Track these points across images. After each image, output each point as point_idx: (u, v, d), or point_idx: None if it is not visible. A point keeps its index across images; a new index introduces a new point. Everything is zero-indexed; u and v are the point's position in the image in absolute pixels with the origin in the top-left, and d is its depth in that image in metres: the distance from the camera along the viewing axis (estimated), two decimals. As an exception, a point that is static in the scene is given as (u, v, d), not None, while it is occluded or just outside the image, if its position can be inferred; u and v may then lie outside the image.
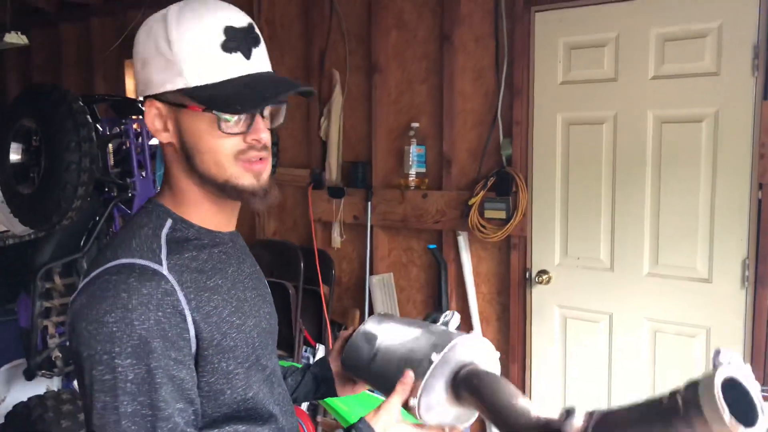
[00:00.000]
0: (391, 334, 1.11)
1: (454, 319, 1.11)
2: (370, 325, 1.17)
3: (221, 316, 0.95)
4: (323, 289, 3.59)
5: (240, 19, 0.97)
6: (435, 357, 0.97)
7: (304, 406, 3.48)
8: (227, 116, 0.92)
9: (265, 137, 0.97)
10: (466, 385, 0.97)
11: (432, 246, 3.25)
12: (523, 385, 3.06)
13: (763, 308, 2.44)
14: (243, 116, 0.94)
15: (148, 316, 0.86)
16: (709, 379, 0.62)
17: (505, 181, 2.96)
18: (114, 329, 0.85)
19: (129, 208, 3.10)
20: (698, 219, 2.58)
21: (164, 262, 0.92)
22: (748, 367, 0.66)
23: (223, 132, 0.93)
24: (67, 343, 0.97)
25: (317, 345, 3.55)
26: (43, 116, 2.95)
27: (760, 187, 2.42)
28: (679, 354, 2.65)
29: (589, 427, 0.75)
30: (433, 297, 3.34)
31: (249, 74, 0.95)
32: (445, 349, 0.98)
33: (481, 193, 3.01)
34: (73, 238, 3.12)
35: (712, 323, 2.58)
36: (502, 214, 2.96)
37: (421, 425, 1.01)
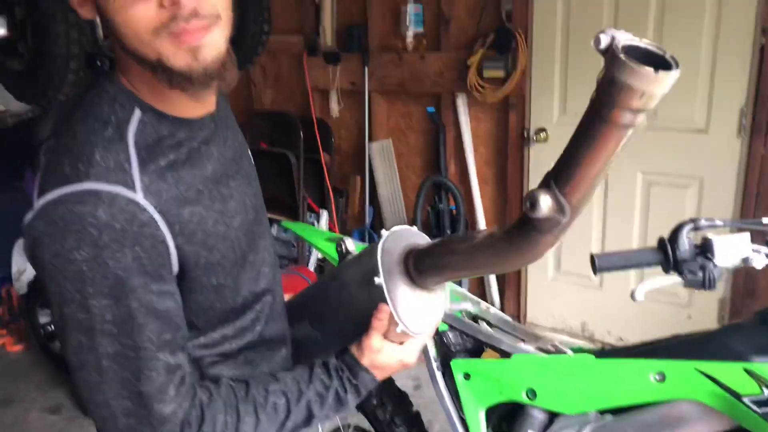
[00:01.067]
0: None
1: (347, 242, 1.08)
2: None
3: (206, 230, 0.85)
4: (324, 158, 3.63)
5: None
6: (378, 279, 0.87)
7: (312, 266, 3.64)
8: None
9: None
10: (424, 271, 0.88)
11: (431, 109, 3.24)
12: (521, 241, 3.18)
13: (757, 156, 2.48)
14: None
15: (124, 252, 0.75)
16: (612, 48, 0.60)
17: (505, 37, 2.88)
18: (84, 268, 0.74)
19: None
20: (699, 67, 2.55)
21: (137, 183, 0.78)
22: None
23: None
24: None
25: (321, 210, 3.65)
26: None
27: (764, 32, 2.37)
28: (671, 205, 2.73)
29: (554, 192, 0.70)
30: (432, 161, 3.38)
31: None
32: (380, 269, 0.88)
33: (480, 52, 2.95)
34: (71, 112, 3.11)
35: (705, 173, 2.63)
36: (501, 73, 2.92)
37: (401, 338, 0.92)
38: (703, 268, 1.09)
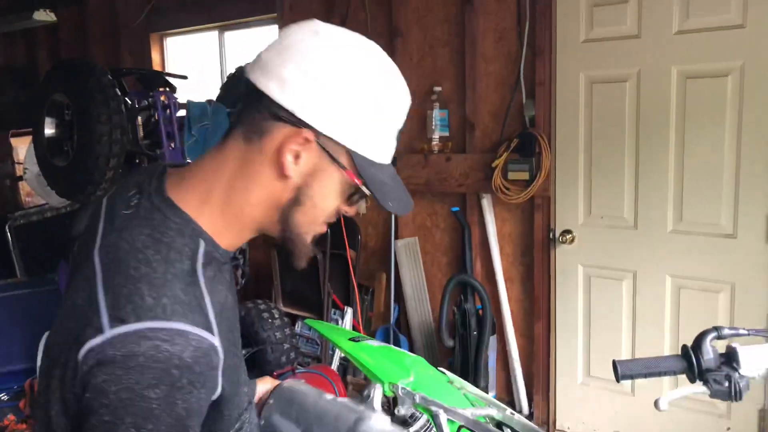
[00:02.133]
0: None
1: (376, 392, 1.14)
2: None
3: (230, 364, 0.84)
4: (350, 254, 3.66)
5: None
6: None
7: (335, 365, 3.58)
8: (366, 198, 0.87)
9: (352, 213, 0.92)
10: None
11: (455, 209, 3.29)
12: (548, 344, 3.11)
13: (788, 262, 2.44)
14: (361, 199, 0.89)
15: (193, 394, 0.76)
16: None
17: (529, 142, 2.96)
18: (154, 406, 0.73)
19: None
20: (723, 174, 2.56)
21: (215, 329, 0.79)
22: None
23: (346, 204, 0.88)
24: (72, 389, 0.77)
25: (345, 308, 3.64)
26: (74, 91, 3.04)
27: (786, 140, 2.39)
28: (703, 309, 2.66)
29: None
30: (457, 259, 3.39)
31: (390, 164, 0.89)
32: None
33: (505, 155, 3.03)
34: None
35: (737, 278, 2.58)
36: (526, 175, 2.97)
37: None
38: (728, 377, 1.06)
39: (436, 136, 3.30)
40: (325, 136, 0.81)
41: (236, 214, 0.85)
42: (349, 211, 0.89)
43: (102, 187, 2.97)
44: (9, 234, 3.86)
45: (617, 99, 2.78)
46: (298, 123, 0.80)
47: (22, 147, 5.00)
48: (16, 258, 3.80)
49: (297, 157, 0.82)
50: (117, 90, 2.97)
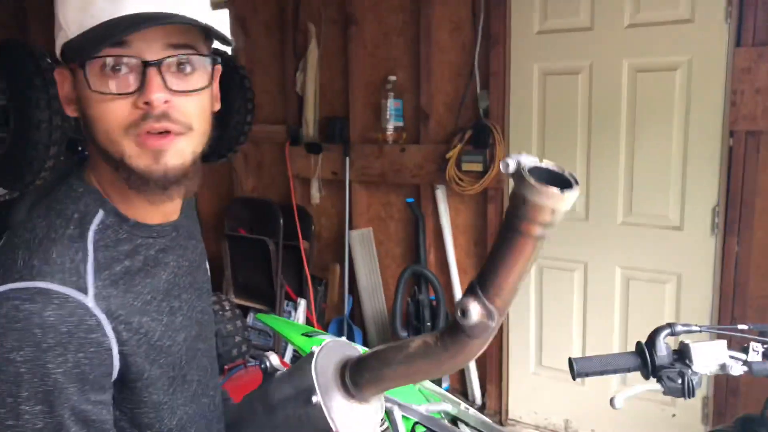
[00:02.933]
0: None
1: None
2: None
3: (151, 343, 0.82)
4: (303, 245, 3.61)
5: None
6: (315, 398, 0.86)
7: (288, 358, 3.54)
8: (88, 68, 0.74)
9: (159, 98, 0.75)
10: (362, 384, 0.87)
11: (410, 200, 3.27)
12: (500, 334, 3.14)
13: (731, 254, 2.51)
14: (124, 69, 0.75)
15: (66, 357, 0.72)
16: (519, 172, 0.68)
17: (483, 133, 2.96)
18: (22, 370, 0.70)
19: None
20: (671, 168, 2.61)
21: (90, 289, 0.76)
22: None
23: (95, 91, 0.75)
24: None
25: (298, 299, 3.59)
26: (10, 74, 2.87)
27: (731, 135, 2.45)
28: (651, 300, 2.72)
29: (479, 294, 0.74)
30: (411, 250, 3.38)
31: (120, 16, 0.74)
32: (316, 388, 0.87)
33: (459, 146, 3.02)
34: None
35: (683, 269, 2.64)
36: (479, 167, 2.97)
37: None
38: (681, 375, 1.06)
39: (390, 126, 3.27)
40: (57, 57, 0.80)
41: (104, 172, 0.83)
42: (140, 101, 0.75)
43: (42, 176, 2.83)
44: (-59, 224, 3.66)
45: (570, 91, 2.80)
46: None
47: (-45, 132, 4.74)
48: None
49: (64, 92, 0.82)
50: (57, 74, 2.82)
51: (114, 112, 0.75)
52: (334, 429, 0.85)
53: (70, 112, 0.81)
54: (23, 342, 0.70)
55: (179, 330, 0.88)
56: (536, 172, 0.68)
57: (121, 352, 0.78)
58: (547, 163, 0.70)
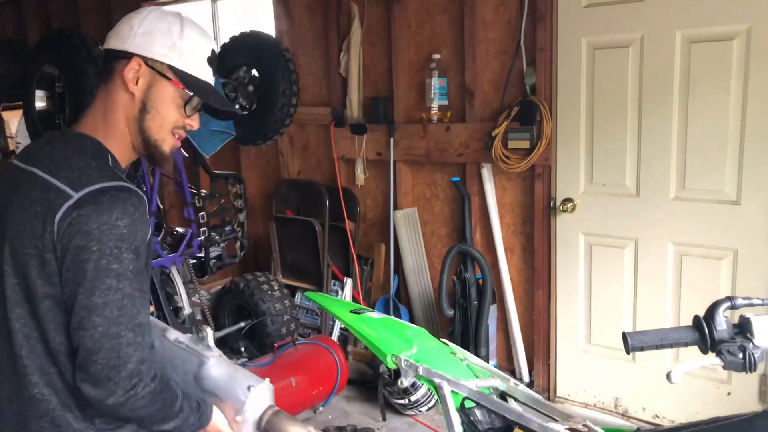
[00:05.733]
0: None
1: (208, 333, 1.32)
2: None
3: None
4: (349, 226, 3.64)
5: (215, 47, 1.33)
6: (239, 418, 1.24)
7: (335, 336, 3.59)
8: (194, 102, 1.26)
9: (196, 126, 1.30)
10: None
11: (455, 179, 3.25)
12: (548, 312, 3.11)
13: (792, 228, 2.42)
14: (197, 107, 1.27)
15: (143, 227, 1.14)
16: None
17: (529, 110, 2.92)
18: (124, 231, 1.10)
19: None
20: (727, 140, 2.53)
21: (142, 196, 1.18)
22: None
23: (183, 109, 1.25)
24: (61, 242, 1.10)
25: (345, 279, 3.63)
26: (65, 63, 2.97)
27: (792, 105, 2.36)
28: (705, 277, 2.66)
29: None
30: (457, 230, 3.37)
31: (211, 84, 1.32)
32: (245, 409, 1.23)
33: (505, 124, 2.98)
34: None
35: (740, 245, 2.57)
36: (526, 144, 2.94)
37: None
38: (743, 349, 1.04)
39: (435, 105, 3.25)
40: (150, 59, 1.21)
41: (119, 132, 1.23)
42: (192, 123, 1.28)
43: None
44: None
45: (620, 65, 2.73)
46: (130, 55, 1.21)
47: (13, 120, 4.92)
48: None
49: (136, 79, 1.21)
50: (109, 61, 2.90)
51: (175, 118, 1.27)
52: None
53: (131, 88, 1.21)
54: (124, 214, 1.10)
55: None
56: None
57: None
58: None
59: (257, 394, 1.23)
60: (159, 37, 1.22)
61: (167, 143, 1.26)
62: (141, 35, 1.21)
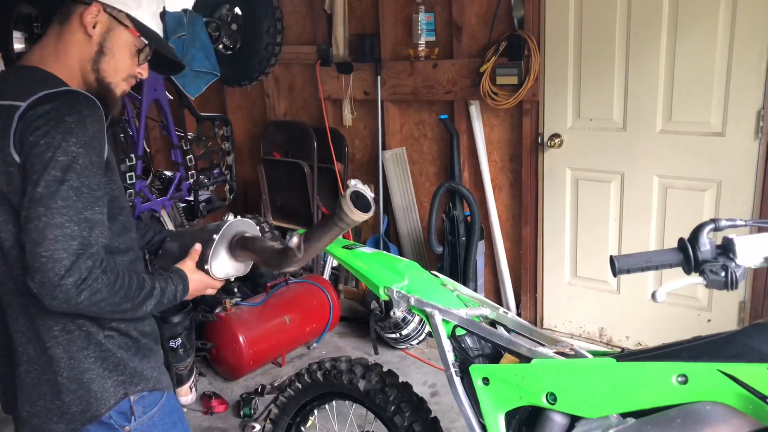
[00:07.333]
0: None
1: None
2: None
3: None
4: (337, 167, 3.64)
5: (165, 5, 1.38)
6: (216, 235, 1.45)
7: (327, 275, 3.64)
8: (147, 51, 1.33)
9: (145, 75, 1.39)
10: (239, 246, 1.47)
11: (444, 117, 3.25)
12: (535, 247, 3.17)
13: (775, 158, 2.46)
14: (148, 56, 1.35)
15: (93, 124, 1.17)
16: (344, 194, 1.23)
17: (517, 45, 2.89)
18: (72, 126, 1.13)
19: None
20: (714, 73, 2.54)
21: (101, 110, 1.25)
22: (366, 187, 1.26)
23: (137, 56, 1.34)
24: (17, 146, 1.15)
25: (335, 219, 3.65)
26: (41, 1, 2.88)
27: (779, 35, 2.35)
28: (689, 208, 2.71)
29: (301, 240, 1.32)
30: (445, 168, 3.38)
31: (161, 37, 1.42)
32: (222, 228, 1.47)
33: (493, 59, 2.96)
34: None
35: (723, 176, 2.61)
36: (514, 80, 2.92)
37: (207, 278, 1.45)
38: (725, 268, 1.08)
39: (422, 41, 3.21)
40: (109, 6, 1.28)
41: (72, 68, 1.28)
42: (142, 72, 1.36)
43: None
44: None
45: (608, -4, 2.70)
46: (90, 0, 1.26)
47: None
48: None
49: (94, 23, 1.27)
50: None
51: (129, 64, 1.34)
52: (209, 258, 1.43)
53: (89, 32, 1.27)
54: (73, 110, 1.15)
55: (113, 168, 1.35)
56: (355, 194, 1.24)
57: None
58: (366, 191, 1.26)
59: (235, 223, 1.49)
60: None
61: (120, 88, 1.33)
62: None
